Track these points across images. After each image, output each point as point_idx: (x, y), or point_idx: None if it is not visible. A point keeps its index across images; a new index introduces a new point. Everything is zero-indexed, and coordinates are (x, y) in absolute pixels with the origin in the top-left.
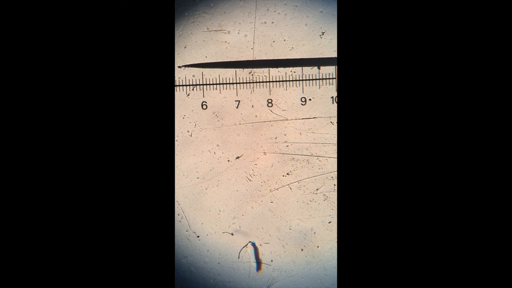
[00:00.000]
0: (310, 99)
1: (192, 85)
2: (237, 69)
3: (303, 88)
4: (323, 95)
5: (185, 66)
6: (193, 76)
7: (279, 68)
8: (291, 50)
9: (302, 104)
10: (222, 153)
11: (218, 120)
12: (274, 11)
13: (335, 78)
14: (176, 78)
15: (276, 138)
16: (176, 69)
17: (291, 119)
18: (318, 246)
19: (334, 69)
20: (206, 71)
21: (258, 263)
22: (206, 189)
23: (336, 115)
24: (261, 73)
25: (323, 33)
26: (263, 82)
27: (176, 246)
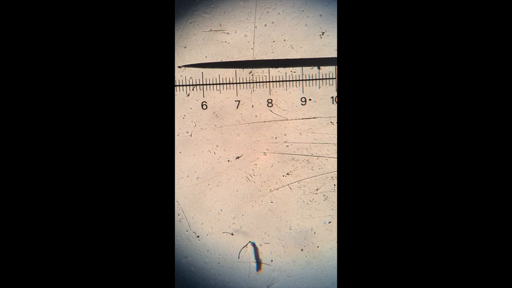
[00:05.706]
0: (310, 99)
1: (192, 85)
2: (237, 69)
3: (303, 88)
4: (323, 95)
5: (185, 66)
6: (191, 78)
7: (279, 68)
8: (291, 50)
9: (302, 104)
10: (223, 152)
11: (218, 120)
12: (274, 10)
13: (335, 78)
14: (176, 78)
15: (276, 138)
16: (176, 69)
17: (291, 119)
18: (318, 246)
19: (334, 69)
20: (206, 71)
21: (258, 263)
22: (206, 189)
23: (336, 115)
24: (261, 73)
25: (323, 33)
26: (263, 82)
27: (176, 246)
